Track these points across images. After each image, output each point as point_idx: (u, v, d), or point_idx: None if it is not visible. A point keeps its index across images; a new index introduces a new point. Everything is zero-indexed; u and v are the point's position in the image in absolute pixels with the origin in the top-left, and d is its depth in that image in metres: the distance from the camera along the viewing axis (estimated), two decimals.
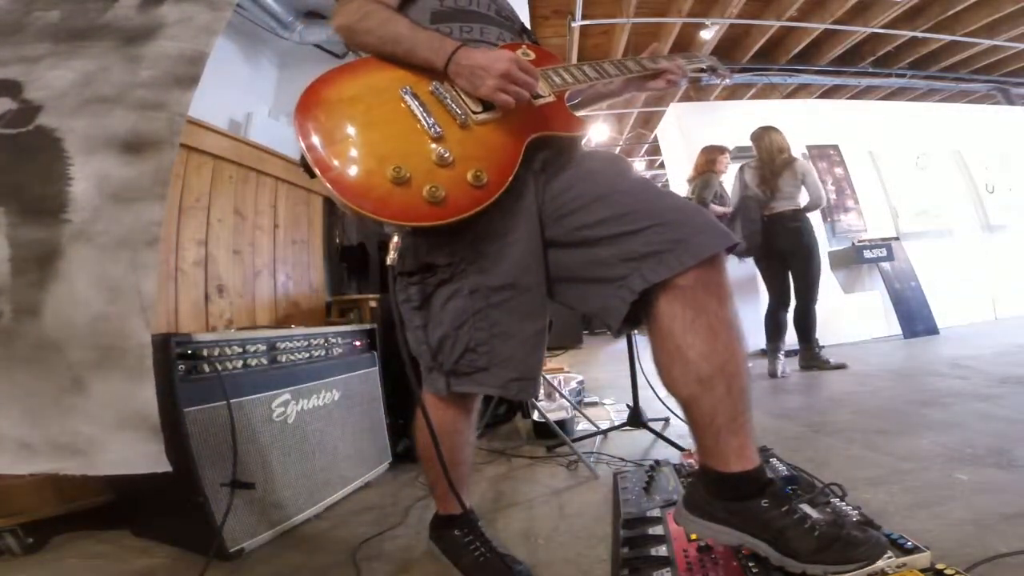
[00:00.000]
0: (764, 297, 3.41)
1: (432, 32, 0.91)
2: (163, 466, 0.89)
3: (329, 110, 0.82)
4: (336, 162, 0.78)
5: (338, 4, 0.96)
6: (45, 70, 1.09)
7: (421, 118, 0.84)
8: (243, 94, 3.19)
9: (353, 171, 0.78)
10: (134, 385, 0.91)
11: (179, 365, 1.14)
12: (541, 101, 0.94)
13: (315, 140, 0.79)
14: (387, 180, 0.77)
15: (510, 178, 0.84)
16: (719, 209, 3.69)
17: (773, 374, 3.04)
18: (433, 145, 0.82)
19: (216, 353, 1.24)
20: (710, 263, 0.78)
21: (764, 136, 3.23)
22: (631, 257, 0.80)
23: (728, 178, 3.73)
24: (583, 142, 1.01)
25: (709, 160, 3.82)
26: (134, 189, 1.00)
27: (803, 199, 3.11)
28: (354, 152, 0.80)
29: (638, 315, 0.83)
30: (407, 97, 0.86)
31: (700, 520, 0.82)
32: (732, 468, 0.78)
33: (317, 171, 0.77)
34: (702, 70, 1.29)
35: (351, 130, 0.82)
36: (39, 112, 1.04)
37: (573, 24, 4.63)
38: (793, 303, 3.13)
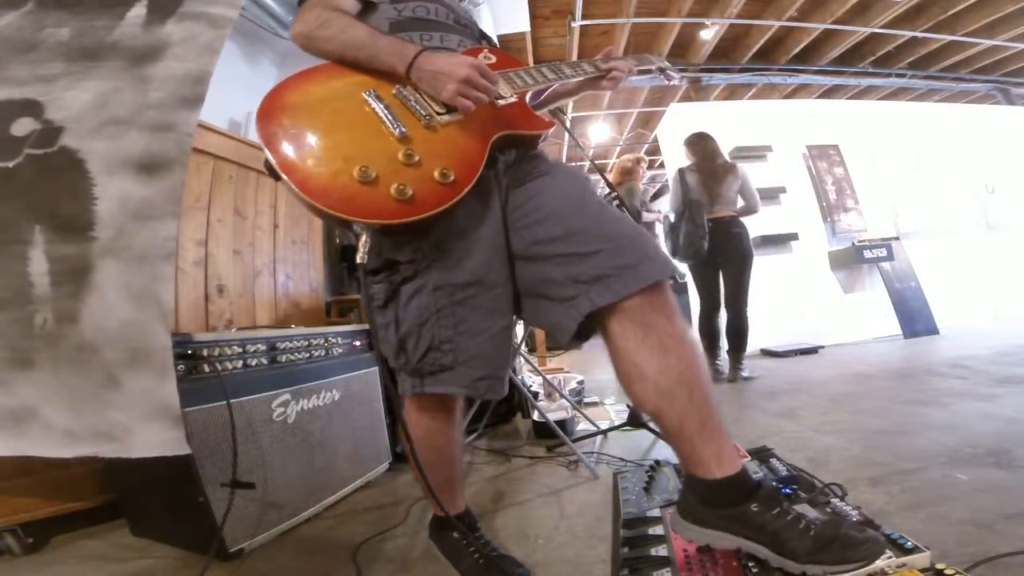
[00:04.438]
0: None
1: (393, 38, 0.92)
2: (184, 449, 1.02)
3: (292, 114, 0.83)
4: (302, 164, 0.78)
5: (297, 13, 0.97)
6: (62, 90, 1.17)
7: (386, 120, 0.85)
8: (243, 94, 3.18)
9: (320, 172, 0.78)
10: (159, 381, 1.03)
11: (179, 365, 1.15)
12: (503, 102, 0.96)
13: (279, 144, 0.79)
14: (354, 180, 0.77)
15: (477, 175, 0.85)
16: (649, 216, 3.75)
17: (714, 379, 2.94)
18: (399, 145, 0.82)
19: (216, 353, 1.24)
20: (655, 287, 0.83)
21: (700, 142, 3.17)
22: (580, 279, 0.84)
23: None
24: (546, 151, 1.04)
25: (625, 171, 3.88)
26: (150, 207, 1.10)
27: (739, 205, 3.09)
28: (320, 154, 0.80)
29: (588, 330, 0.87)
30: (371, 100, 0.87)
31: (696, 527, 0.83)
32: (715, 475, 0.80)
33: (283, 174, 0.77)
34: (652, 70, 1.36)
35: (315, 133, 0.82)
36: (61, 133, 1.12)
37: (573, 24, 4.63)
38: (724, 311, 3.05)
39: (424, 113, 0.88)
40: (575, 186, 0.94)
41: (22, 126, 1.12)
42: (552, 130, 1.05)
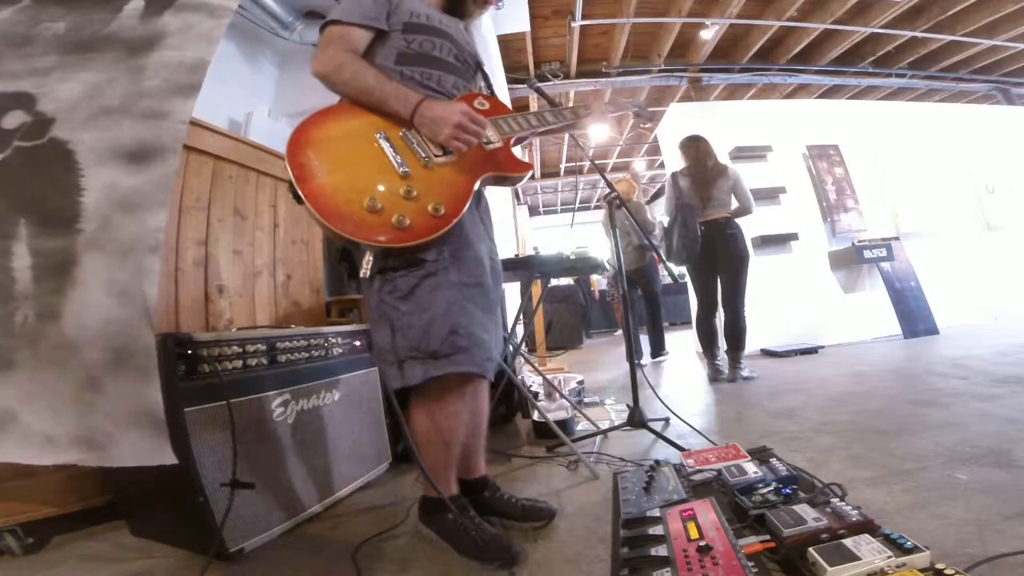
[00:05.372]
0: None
1: (397, 84, 1.09)
2: (169, 459, 0.98)
3: (317, 148, 0.99)
4: (322, 194, 0.93)
5: (316, 48, 1.12)
6: (55, 83, 1.15)
7: (392, 159, 1.02)
8: (243, 94, 3.19)
9: (335, 201, 0.93)
10: (142, 384, 0.98)
11: (179, 365, 1.14)
12: (491, 146, 1.14)
13: (304, 173, 0.94)
14: (363, 209, 0.94)
15: (464, 210, 1.03)
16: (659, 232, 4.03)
17: (714, 378, 3.01)
18: (401, 182, 1.00)
19: (216, 353, 1.23)
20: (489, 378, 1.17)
21: (691, 145, 3.18)
22: None
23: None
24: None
25: (622, 191, 4.21)
26: (139, 197, 1.07)
27: (734, 206, 3.09)
28: (336, 185, 0.95)
29: None
30: (381, 141, 1.04)
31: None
32: (471, 476, 1.26)
33: (305, 199, 0.91)
34: (627, 114, 1.59)
35: (334, 167, 0.98)
36: (52, 125, 1.10)
37: (573, 24, 4.63)
38: (721, 312, 3.06)
39: (423, 155, 1.05)
40: (501, 286, 1.30)
41: (12, 119, 1.09)
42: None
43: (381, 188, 0.97)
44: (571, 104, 1.44)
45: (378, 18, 1.14)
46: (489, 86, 1.34)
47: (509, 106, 1.23)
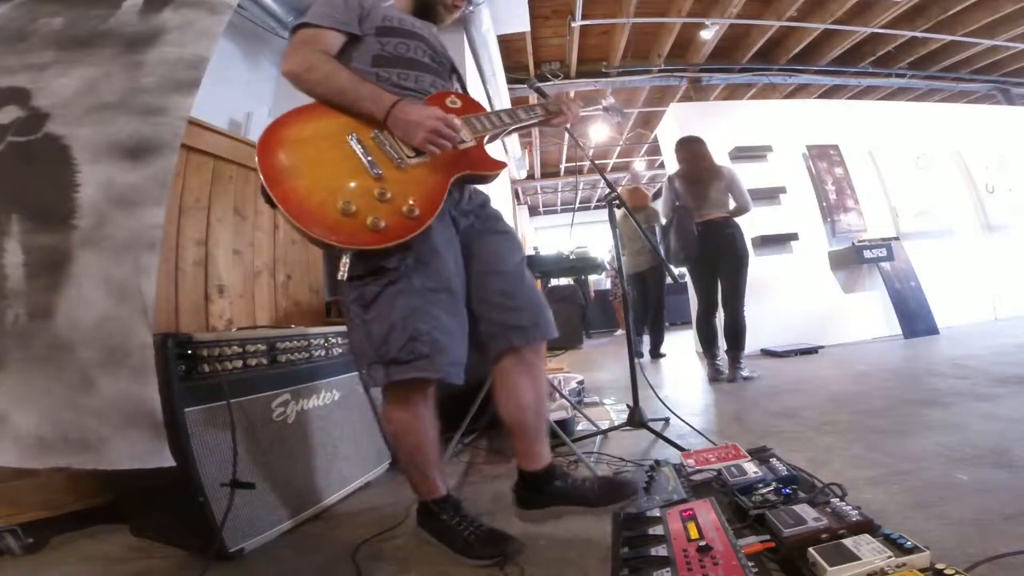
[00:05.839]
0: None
1: (372, 86, 1.08)
2: (167, 461, 0.95)
3: (288, 150, 0.98)
4: (294, 195, 0.93)
5: (286, 49, 1.12)
6: (51, 78, 1.13)
7: (364, 161, 1.01)
8: (243, 94, 3.19)
9: (308, 203, 0.93)
10: (138, 384, 0.95)
11: (179, 365, 1.14)
12: (464, 146, 1.13)
13: (275, 176, 0.93)
14: (336, 212, 0.93)
15: (437, 211, 1.03)
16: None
17: (714, 378, 3.00)
18: (374, 184, 0.99)
19: (216, 353, 1.23)
20: (541, 341, 1.19)
21: (686, 147, 3.18)
22: (505, 324, 1.14)
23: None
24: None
25: (638, 201, 4.53)
26: (136, 194, 1.04)
27: (732, 205, 3.08)
28: (308, 188, 0.95)
29: (488, 354, 1.18)
30: (353, 142, 1.03)
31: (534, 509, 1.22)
32: (537, 467, 1.19)
33: (277, 202, 0.91)
34: (599, 111, 1.62)
35: (306, 169, 0.97)
36: (47, 120, 1.08)
37: (573, 24, 4.64)
38: (721, 311, 3.06)
39: (396, 156, 1.04)
40: (519, 254, 1.22)
41: (6, 114, 1.08)
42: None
43: (355, 190, 0.96)
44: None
45: (350, 22, 1.14)
46: (463, 88, 1.34)
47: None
